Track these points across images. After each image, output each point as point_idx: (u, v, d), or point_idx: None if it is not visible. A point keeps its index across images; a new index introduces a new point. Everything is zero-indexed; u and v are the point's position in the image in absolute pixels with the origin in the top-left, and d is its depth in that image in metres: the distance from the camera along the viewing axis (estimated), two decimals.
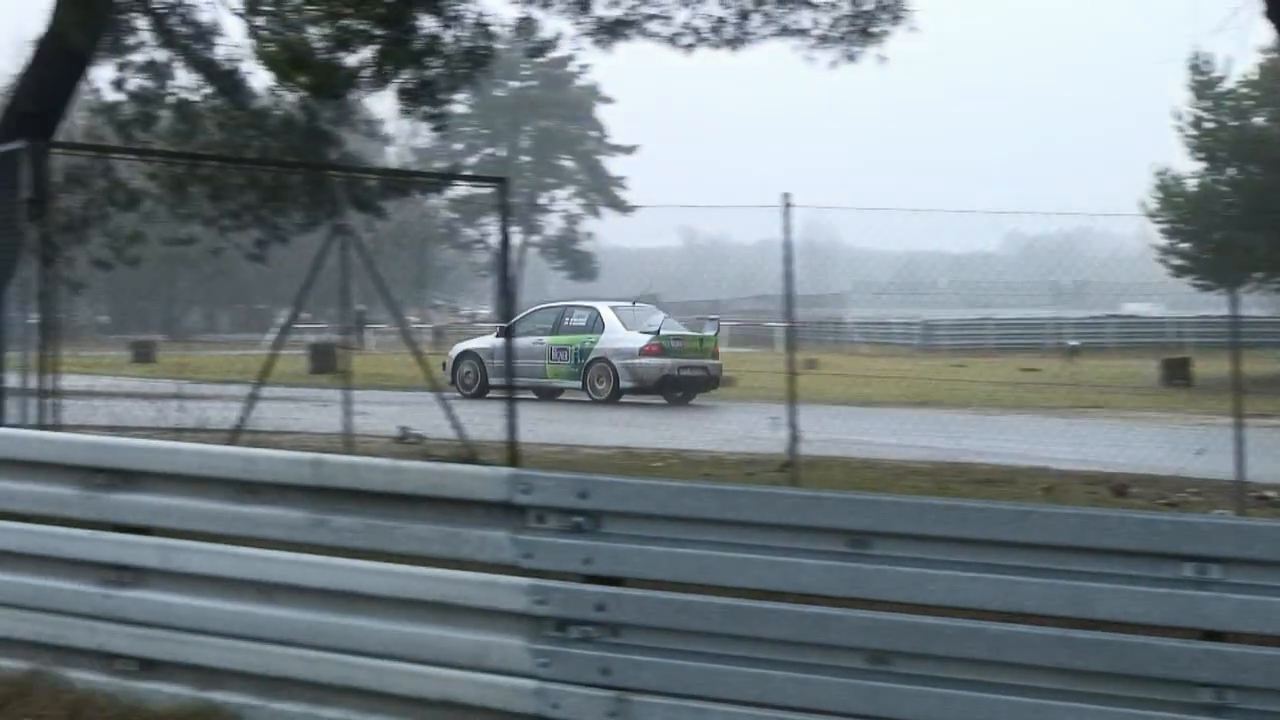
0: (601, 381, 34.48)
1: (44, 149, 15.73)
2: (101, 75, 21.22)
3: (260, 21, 20.31)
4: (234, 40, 21.35)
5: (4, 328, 17.45)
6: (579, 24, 19.98)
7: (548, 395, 34.49)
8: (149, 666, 8.96)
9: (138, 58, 21.25)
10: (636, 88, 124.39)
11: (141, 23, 21.18)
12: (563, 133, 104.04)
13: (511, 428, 18.36)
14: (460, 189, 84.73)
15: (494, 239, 63.91)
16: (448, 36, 18.95)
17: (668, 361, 34.15)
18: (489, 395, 32.95)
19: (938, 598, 7.34)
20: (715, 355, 35.88)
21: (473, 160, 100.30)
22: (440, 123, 20.92)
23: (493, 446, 18.54)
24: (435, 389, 19.12)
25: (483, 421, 19.08)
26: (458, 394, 30.82)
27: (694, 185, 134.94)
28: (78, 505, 9.23)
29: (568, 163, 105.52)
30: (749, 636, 7.62)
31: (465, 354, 35.97)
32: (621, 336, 34.40)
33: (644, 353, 33.87)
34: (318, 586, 8.56)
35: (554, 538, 8.00)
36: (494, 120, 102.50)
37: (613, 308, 36.19)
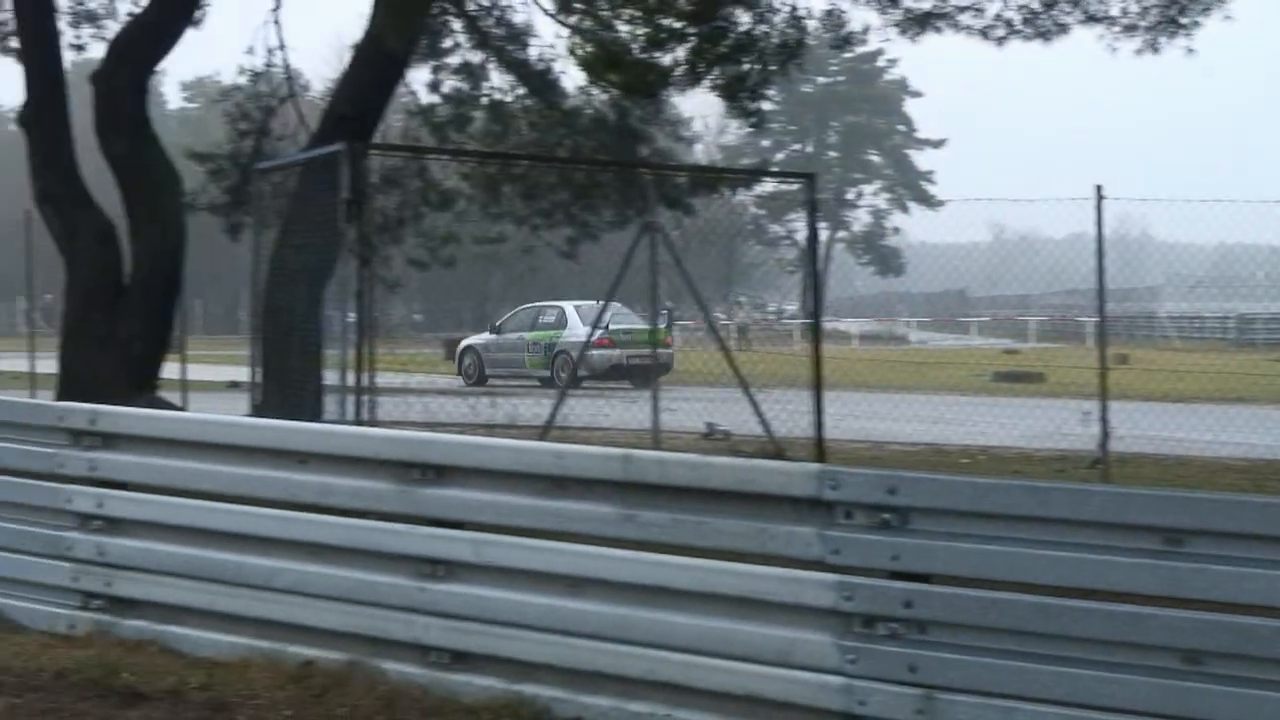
0: (564, 370, 37.86)
1: (362, 151, 16.06)
2: (417, 78, 21.68)
3: (573, 21, 20.55)
4: (546, 41, 21.64)
5: (323, 326, 17.88)
6: (887, 16, 19.85)
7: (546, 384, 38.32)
8: (461, 659, 9.10)
9: (453, 60, 21.67)
10: (945, 80, 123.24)
11: (456, 25, 21.57)
12: (870, 127, 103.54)
13: (819, 424, 18.34)
14: (768, 185, 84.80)
15: (801, 235, 63.65)
16: (760, 31, 18.96)
17: (615, 352, 37.21)
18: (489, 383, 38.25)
19: (1255, 597, 7.15)
20: (668, 345, 38.19)
21: (780, 157, 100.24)
22: (757, 119, 20.96)
23: (799, 442, 18.52)
24: (743, 385, 19.15)
25: (789, 418, 19.06)
26: (463, 382, 36.25)
27: (1003, 178, 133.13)
28: (393, 500, 9.41)
29: (875, 158, 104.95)
30: (1059, 635, 7.50)
31: (468, 348, 41.10)
32: (579, 331, 37.29)
33: (596, 345, 35.76)
34: (626, 581, 8.62)
35: (862, 534, 7.95)
36: (801, 116, 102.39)
37: (575, 306, 39.92)
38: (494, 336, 41.66)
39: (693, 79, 19.12)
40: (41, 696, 9.13)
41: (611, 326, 36.27)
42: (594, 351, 36.46)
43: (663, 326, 40.19)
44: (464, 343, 43.12)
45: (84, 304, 18.21)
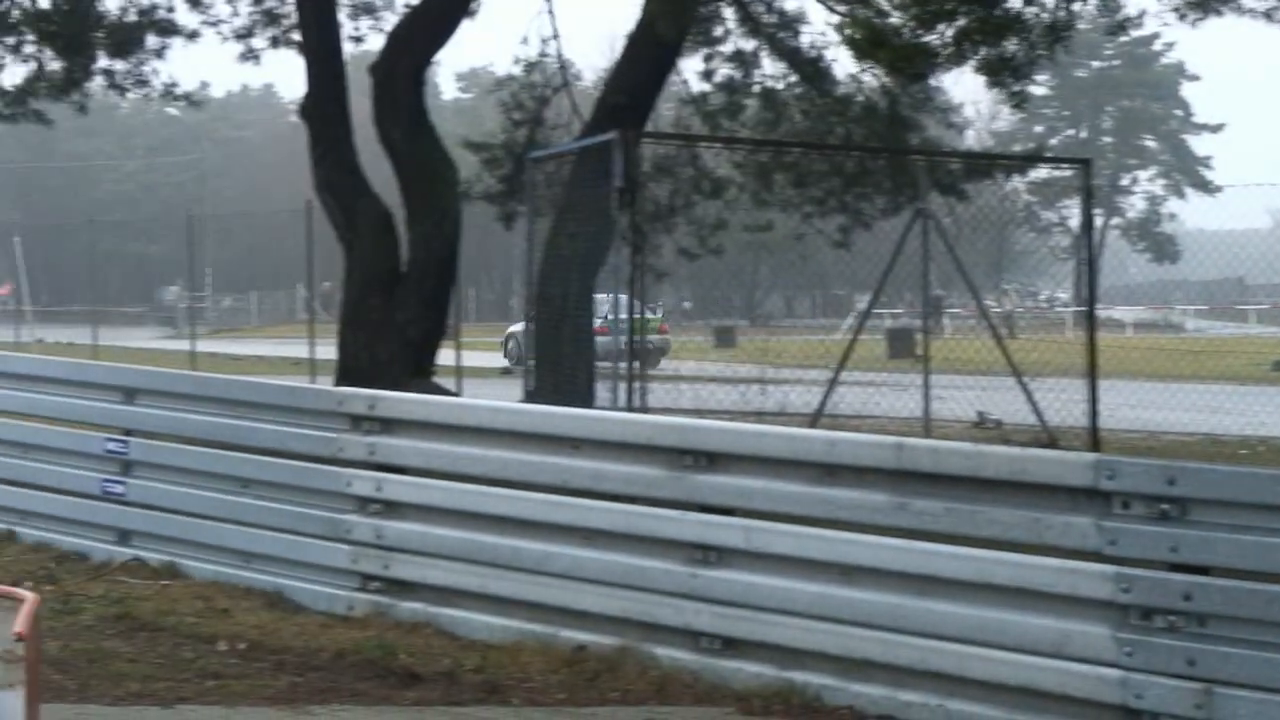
0: None
1: (635, 139, 16.12)
2: (690, 66, 21.74)
3: (844, 9, 20.44)
4: (818, 28, 21.56)
5: (595, 314, 18.00)
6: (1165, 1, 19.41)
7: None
8: (731, 645, 9.12)
9: (725, 48, 21.67)
10: (1224, 63, 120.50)
11: (728, 13, 21.58)
12: (1146, 112, 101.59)
13: (1093, 413, 18.07)
14: (1041, 171, 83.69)
15: (1075, 222, 62.65)
16: (1030, 12, 18.68)
17: (612, 338, 40.09)
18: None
19: None
20: (662, 332, 40.82)
21: (1053, 142, 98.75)
22: (1020, 100, 20.67)
23: (1072, 432, 18.27)
24: (1015, 373, 18.93)
25: (1062, 407, 18.81)
26: (508, 364, 38.00)
27: None
28: (665, 486, 9.45)
29: (1150, 143, 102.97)
30: None
31: (511, 335, 43.02)
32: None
33: (596, 332, 39.64)
34: (897, 569, 8.57)
35: (1140, 525, 7.82)
36: (1074, 101, 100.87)
37: None
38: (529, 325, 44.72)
39: (958, 59, 18.88)
40: (322, 676, 9.32)
41: (609, 316, 41.36)
42: (596, 338, 41.40)
43: (656, 316, 45.04)
44: (509, 330, 45.60)
45: (362, 291, 18.54)
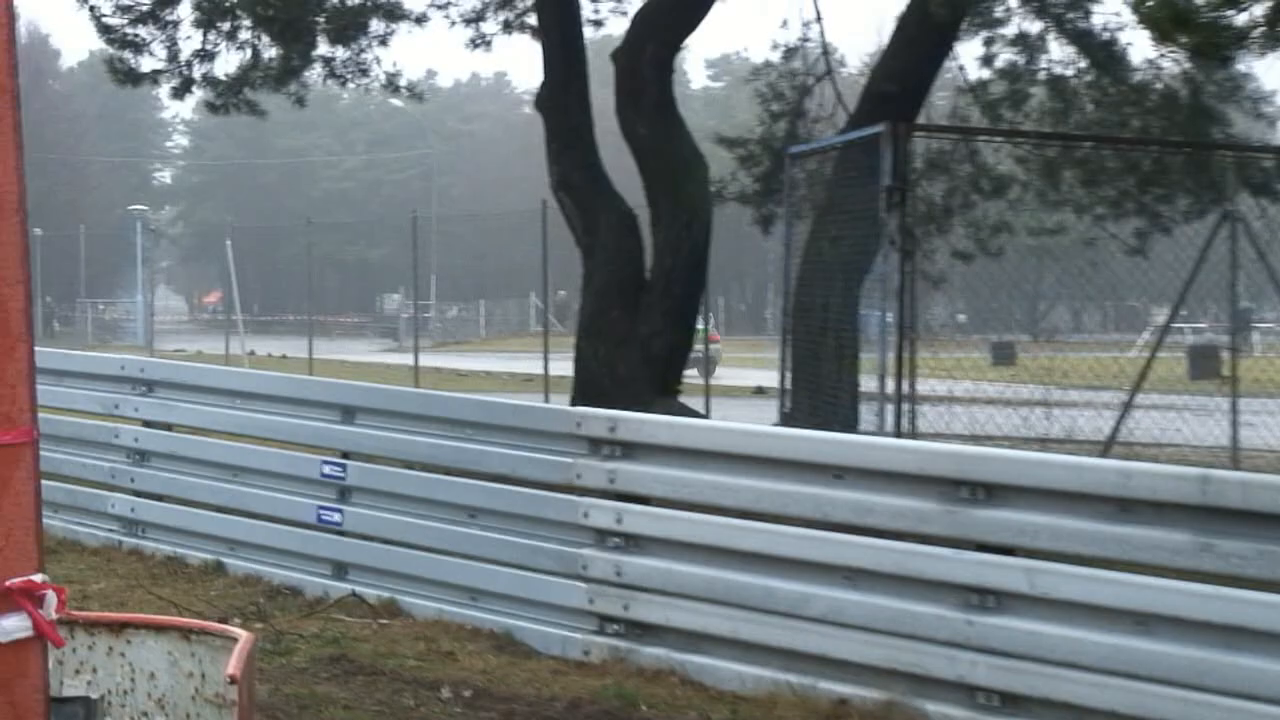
0: None
1: (906, 132, 16.00)
2: (967, 51, 21.53)
3: None
4: (1111, 8, 21.22)
5: (859, 326, 17.90)
6: None
7: None
8: (1012, 701, 9.00)
9: (1007, 30, 21.42)
10: None
11: None
12: None
13: None
14: None
15: None
16: None
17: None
18: None
19: None
20: (714, 340, 42.46)
21: None
22: None
23: None
24: None
25: None
26: None
27: None
28: (938, 521, 9.34)
29: None
30: None
31: None
32: None
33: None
34: (1201, 619, 8.39)
35: None
36: None
37: None
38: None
39: (1271, 42, 18.49)
40: None
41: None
42: None
43: (704, 326, 48.34)
44: None
45: (602, 300, 18.63)
